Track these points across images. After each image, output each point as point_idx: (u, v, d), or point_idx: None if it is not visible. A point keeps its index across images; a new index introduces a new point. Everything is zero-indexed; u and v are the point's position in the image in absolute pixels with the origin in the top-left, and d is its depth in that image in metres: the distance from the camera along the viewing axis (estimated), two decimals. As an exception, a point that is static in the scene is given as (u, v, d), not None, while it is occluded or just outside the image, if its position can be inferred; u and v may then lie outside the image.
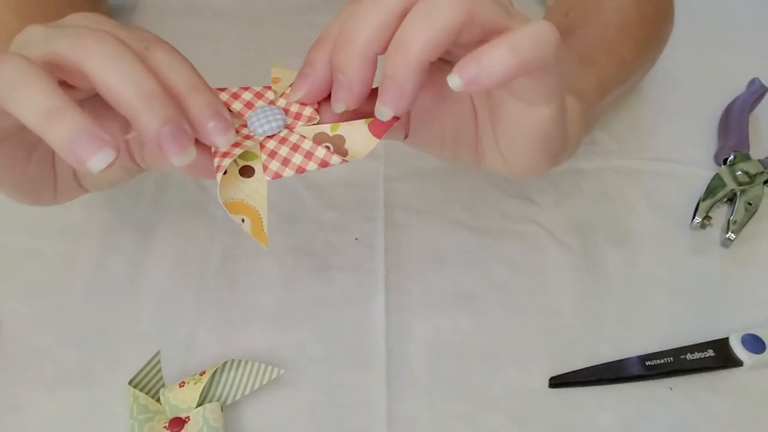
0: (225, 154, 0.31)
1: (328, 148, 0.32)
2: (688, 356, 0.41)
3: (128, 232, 0.47)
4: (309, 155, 0.32)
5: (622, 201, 0.50)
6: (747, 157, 0.51)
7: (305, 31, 0.63)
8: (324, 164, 0.31)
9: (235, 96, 0.34)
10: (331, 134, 0.33)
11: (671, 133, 0.55)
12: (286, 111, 0.33)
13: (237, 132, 0.32)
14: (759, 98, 0.56)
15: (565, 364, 0.41)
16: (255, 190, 0.31)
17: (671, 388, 0.41)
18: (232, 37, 0.61)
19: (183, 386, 0.38)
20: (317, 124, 0.33)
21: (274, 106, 0.33)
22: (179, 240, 0.47)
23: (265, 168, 0.31)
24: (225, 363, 0.38)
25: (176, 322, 0.43)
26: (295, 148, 0.32)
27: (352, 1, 0.32)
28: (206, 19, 0.63)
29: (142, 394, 0.37)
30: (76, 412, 0.39)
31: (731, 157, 0.51)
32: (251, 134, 0.32)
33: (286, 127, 0.33)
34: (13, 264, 0.45)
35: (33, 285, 0.44)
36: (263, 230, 0.31)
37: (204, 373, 0.38)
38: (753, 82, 0.57)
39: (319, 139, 0.32)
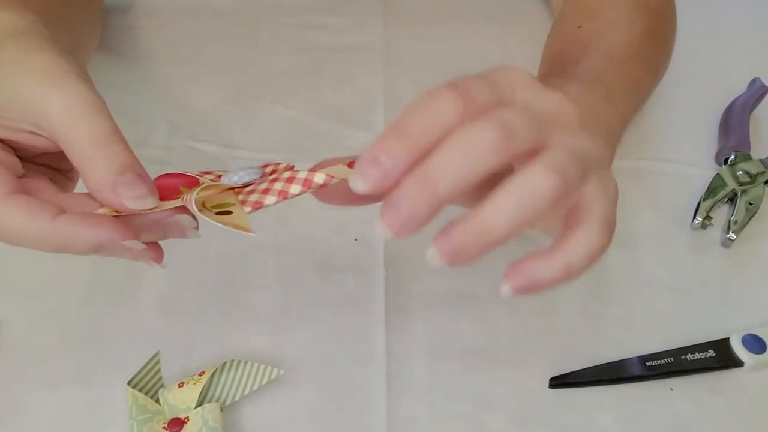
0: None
1: (311, 170, 0.30)
2: (689, 356, 0.41)
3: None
4: (290, 180, 0.30)
5: (623, 201, 0.49)
6: (748, 157, 0.51)
7: (305, 31, 0.64)
8: (308, 184, 0.30)
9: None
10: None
11: (672, 133, 0.55)
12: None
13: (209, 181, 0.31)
14: (760, 98, 0.56)
15: (565, 365, 0.41)
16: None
17: (672, 389, 0.41)
18: (232, 37, 0.61)
19: (182, 386, 0.38)
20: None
21: (256, 169, 0.32)
22: (179, 240, 0.47)
23: (243, 203, 0.31)
24: (224, 363, 0.38)
25: (176, 322, 0.43)
26: (274, 181, 0.31)
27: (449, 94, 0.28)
28: (206, 19, 0.63)
29: (141, 395, 0.37)
30: (75, 412, 0.39)
31: (732, 157, 0.51)
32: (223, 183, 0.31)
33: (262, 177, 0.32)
34: (13, 264, 0.45)
35: (33, 285, 0.44)
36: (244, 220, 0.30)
37: (203, 373, 0.38)
38: (754, 81, 0.57)
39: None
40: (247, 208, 0.30)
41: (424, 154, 0.27)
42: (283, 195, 0.30)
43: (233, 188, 0.32)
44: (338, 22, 0.62)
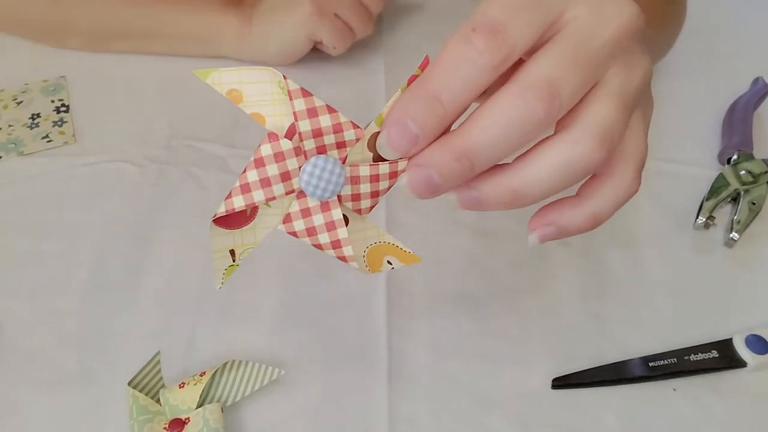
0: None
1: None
2: (692, 357, 0.41)
3: (128, 233, 0.47)
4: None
5: (625, 201, 0.50)
6: (750, 157, 0.50)
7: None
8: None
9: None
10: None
11: (675, 132, 0.55)
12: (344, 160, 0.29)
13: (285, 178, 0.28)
14: (762, 97, 0.55)
15: (567, 365, 0.41)
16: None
17: (675, 389, 0.40)
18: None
19: (183, 387, 0.37)
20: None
21: (338, 164, 0.28)
22: (179, 240, 0.47)
23: (287, 219, 0.29)
24: (225, 364, 0.38)
25: (176, 322, 0.42)
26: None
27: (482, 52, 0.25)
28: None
29: (141, 395, 0.37)
30: (75, 413, 0.39)
31: (735, 156, 0.51)
32: (293, 187, 0.28)
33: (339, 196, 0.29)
34: (13, 264, 0.45)
35: (33, 285, 0.44)
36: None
37: (204, 373, 0.38)
38: (757, 81, 0.56)
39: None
40: (284, 230, 0.30)
41: (456, 118, 0.26)
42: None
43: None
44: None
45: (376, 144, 0.28)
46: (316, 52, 0.57)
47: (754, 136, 0.53)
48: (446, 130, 0.27)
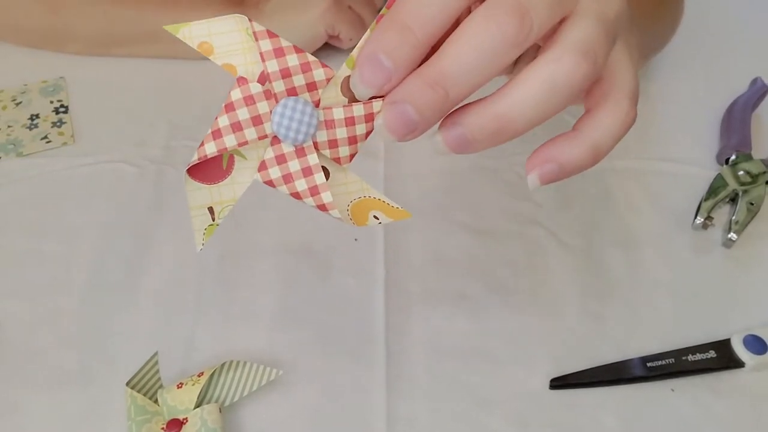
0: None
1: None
2: (690, 357, 0.41)
3: (127, 233, 0.47)
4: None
5: (624, 201, 0.50)
6: (749, 157, 0.50)
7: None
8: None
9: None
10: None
11: (673, 132, 0.55)
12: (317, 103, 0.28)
13: (256, 122, 0.28)
14: (761, 98, 0.55)
15: (566, 365, 0.41)
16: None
17: (673, 390, 0.40)
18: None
19: (181, 387, 0.37)
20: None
21: (309, 105, 0.28)
22: (178, 240, 0.47)
23: (263, 167, 0.29)
24: (224, 364, 0.38)
25: (175, 322, 0.42)
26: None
27: None
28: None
29: (139, 395, 0.37)
30: (74, 413, 0.39)
31: (733, 156, 0.51)
32: (266, 132, 0.28)
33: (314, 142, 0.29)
34: (12, 264, 0.45)
35: (33, 285, 0.44)
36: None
37: (202, 374, 0.38)
38: (755, 81, 0.56)
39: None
40: (260, 179, 0.29)
41: (429, 50, 0.25)
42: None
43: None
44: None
45: (350, 83, 0.27)
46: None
47: (753, 136, 0.53)
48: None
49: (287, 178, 0.29)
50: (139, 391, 0.37)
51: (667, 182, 0.51)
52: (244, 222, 0.47)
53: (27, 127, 0.53)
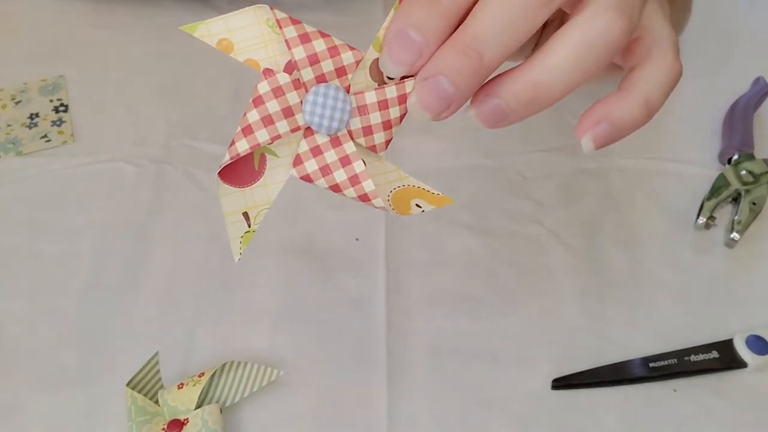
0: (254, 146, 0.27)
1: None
2: (692, 358, 0.41)
3: (126, 233, 0.47)
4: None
5: (626, 201, 0.50)
6: (751, 157, 0.50)
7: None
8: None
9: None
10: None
11: (675, 132, 0.55)
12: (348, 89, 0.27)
13: (287, 113, 0.27)
14: (763, 97, 0.55)
15: (568, 366, 0.41)
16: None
17: (675, 390, 0.40)
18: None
19: (182, 388, 0.37)
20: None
21: (341, 90, 0.27)
22: (178, 241, 0.46)
23: (298, 161, 0.27)
24: (224, 364, 0.38)
25: (175, 323, 0.42)
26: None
27: None
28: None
29: (140, 396, 0.37)
30: (74, 413, 0.38)
31: (735, 156, 0.50)
32: (298, 124, 0.27)
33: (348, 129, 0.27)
34: (13, 264, 0.45)
35: (33, 285, 0.44)
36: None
37: (203, 374, 0.38)
38: (757, 81, 0.56)
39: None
40: (296, 174, 0.27)
41: (459, 19, 0.24)
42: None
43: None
44: (338, 20, 0.61)
45: (379, 64, 0.27)
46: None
47: (755, 136, 0.53)
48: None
49: (325, 170, 0.27)
50: (139, 392, 0.37)
51: (669, 182, 0.51)
52: (244, 221, 0.47)
53: (27, 126, 0.53)
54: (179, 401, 0.37)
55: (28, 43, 0.60)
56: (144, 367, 0.38)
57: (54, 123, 0.53)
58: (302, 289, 0.44)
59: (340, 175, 0.27)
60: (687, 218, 0.48)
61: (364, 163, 0.27)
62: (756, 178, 0.49)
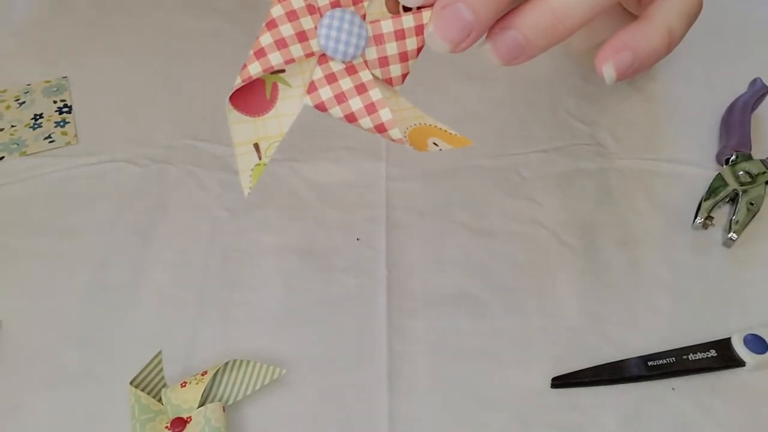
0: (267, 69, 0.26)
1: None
2: (691, 356, 0.41)
3: (129, 232, 0.47)
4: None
5: (625, 201, 0.50)
6: (749, 157, 0.51)
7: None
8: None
9: None
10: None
11: (673, 133, 0.55)
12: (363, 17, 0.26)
13: (301, 38, 0.25)
14: (761, 98, 0.55)
15: (567, 365, 0.41)
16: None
17: (673, 389, 0.41)
18: (232, 35, 0.61)
19: (185, 386, 0.38)
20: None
21: (356, 15, 0.26)
22: (180, 240, 0.47)
23: (312, 89, 0.26)
24: (227, 363, 0.38)
25: (178, 321, 0.43)
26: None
27: None
28: (206, 17, 0.63)
29: (143, 394, 0.37)
30: (76, 413, 0.39)
31: (733, 157, 0.51)
32: (312, 49, 0.26)
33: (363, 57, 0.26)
34: (13, 264, 0.45)
35: (33, 285, 0.44)
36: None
37: (206, 373, 0.38)
38: (755, 81, 0.56)
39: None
40: (310, 102, 0.26)
41: None
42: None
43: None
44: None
45: None
46: None
47: (753, 136, 0.53)
48: None
49: (340, 98, 0.26)
50: (142, 390, 0.38)
51: (667, 182, 0.51)
52: (246, 221, 0.47)
53: (30, 127, 0.53)
54: (182, 399, 0.37)
55: (31, 45, 0.60)
56: (147, 366, 0.38)
57: (57, 124, 0.54)
58: (303, 288, 0.44)
59: (355, 103, 0.26)
60: (685, 218, 0.49)
61: (381, 93, 0.27)
62: (753, 178, 0.49)
